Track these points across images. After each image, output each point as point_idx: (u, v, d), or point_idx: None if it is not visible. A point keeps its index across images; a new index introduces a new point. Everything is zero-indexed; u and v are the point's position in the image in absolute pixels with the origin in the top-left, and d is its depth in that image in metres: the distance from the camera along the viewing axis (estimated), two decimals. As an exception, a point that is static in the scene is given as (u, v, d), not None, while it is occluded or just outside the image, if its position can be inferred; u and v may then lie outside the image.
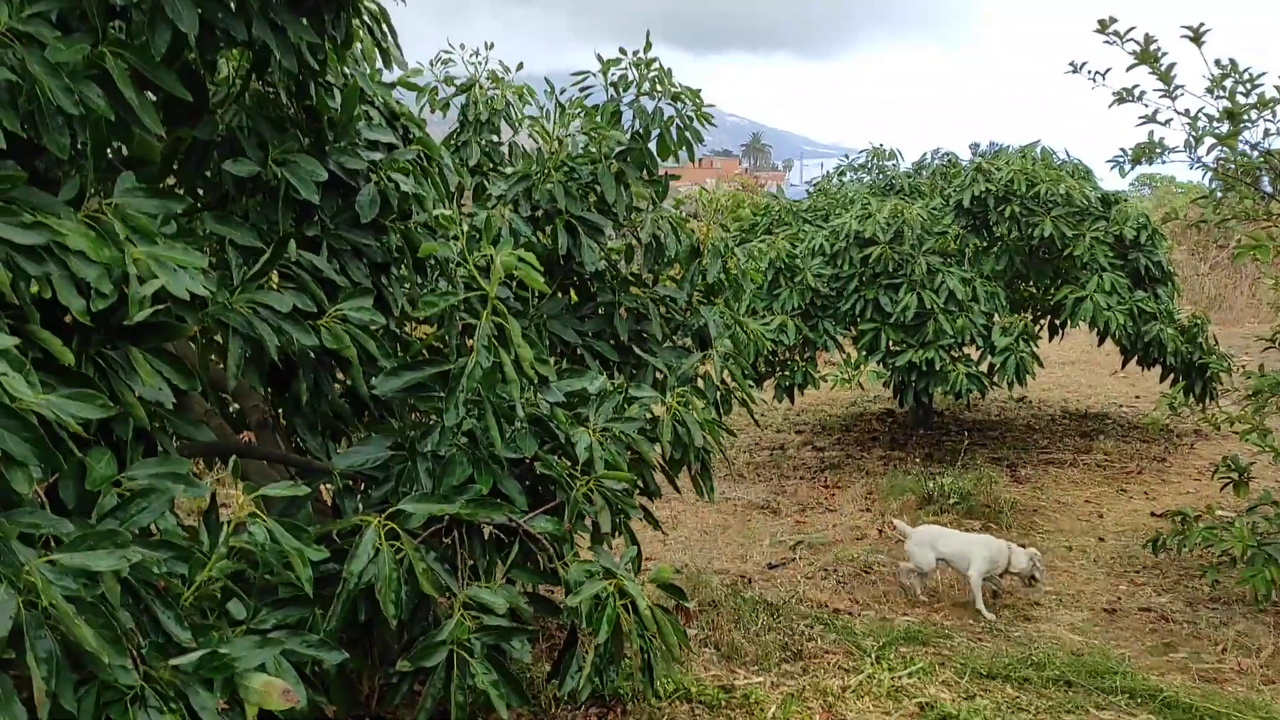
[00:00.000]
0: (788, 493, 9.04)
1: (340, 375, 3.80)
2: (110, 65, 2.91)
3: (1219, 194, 6.80)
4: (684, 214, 5.59)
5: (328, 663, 2.85)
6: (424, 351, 3.76)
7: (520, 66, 6.04)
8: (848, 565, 7.07)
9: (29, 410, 2.21)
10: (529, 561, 3.55)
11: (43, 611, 2.21)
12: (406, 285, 4.10)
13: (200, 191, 3.83)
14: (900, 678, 5.12)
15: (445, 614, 3.20)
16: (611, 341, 5.07)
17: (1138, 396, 12.39)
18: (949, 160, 11.31)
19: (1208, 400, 9.54)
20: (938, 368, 8.83)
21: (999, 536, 7.51)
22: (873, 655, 5.38)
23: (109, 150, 3.32)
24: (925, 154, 12.11)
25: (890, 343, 9.08)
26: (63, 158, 2.86)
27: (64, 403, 2.31)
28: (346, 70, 3.99)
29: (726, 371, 5.06)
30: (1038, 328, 10.12)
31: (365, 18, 3.64)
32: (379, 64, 4.45)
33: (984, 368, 9.20)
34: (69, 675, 2.26)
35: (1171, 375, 9.65)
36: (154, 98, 3.28)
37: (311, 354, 3.45)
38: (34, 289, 2.58)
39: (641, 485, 4.07)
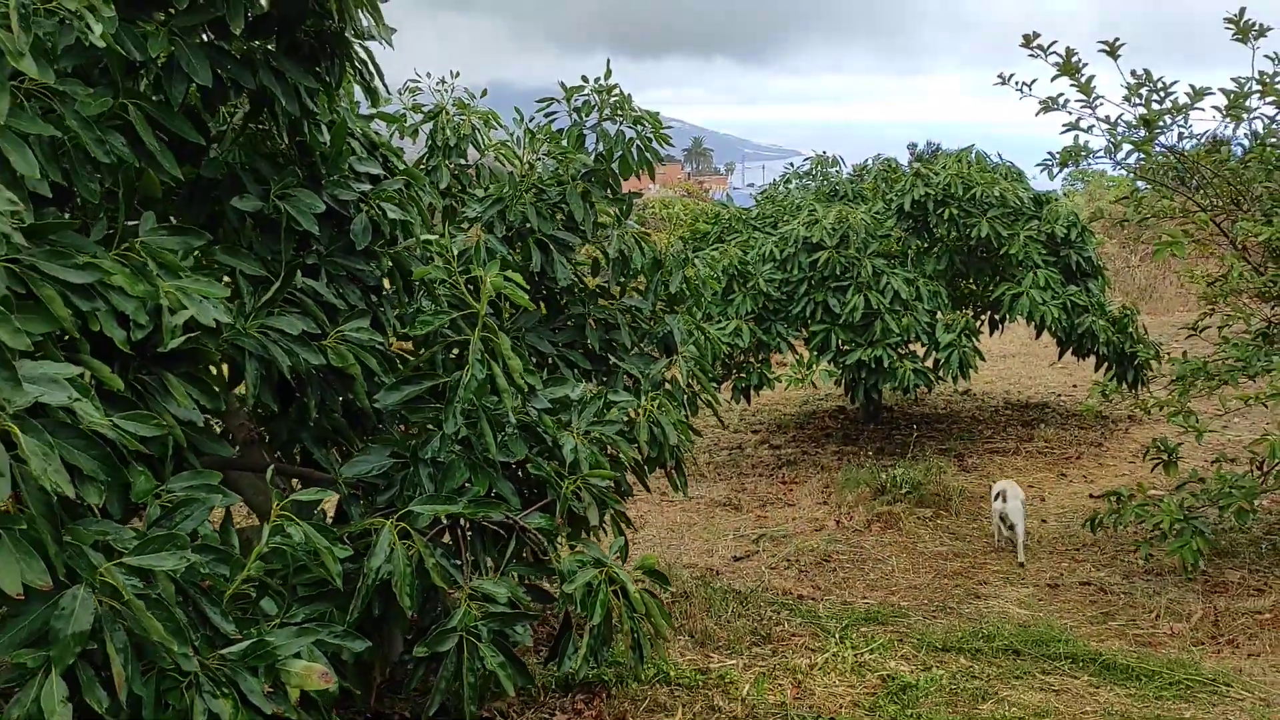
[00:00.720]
0: (748, 490, 9.42)
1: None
2: (132, 116, 3.21)
3: (1141, 192, 7.30)
4: (645, 226, 5.93)
5: (351, 651, 3.14)
6: (418, 367, 4.05)
7: (485, 93, 6.36)
8: (808, 555, 7.46)
9: (93, 431, 2.50)
10: (522, 555, 3.87)
11: (111, 609, 2.49)
12: (396, 307, 4.41)
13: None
14: (863, 654, 5.50)
15: (453, 605, 3.51)
16: (582, 350, 5.40)
17: (1075, 386, 12.94)
18: (889, 165, 11.78)
19: (1139, 387, 10.09)
20: (886, 365, 9.27)
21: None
22: (836, 635, 5.76)
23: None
24: (866, 160, 12.60)
25: (840, 342, 9.50)
26: (94, 202, 3.15)
27: (124, 423, 2.60)
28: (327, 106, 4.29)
29: (692, 375, 5.41)
30: (979, 323, 10.61)
31: (355, 62, 3.93)
32: (357, 96, 4.77)
33: (929, 363, 9.65)
34: (137, 663, 2.54)
35: (1105, 364, 10.18)
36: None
37: (317, 372, 3.75)
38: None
39: (614, 484, 4.40)
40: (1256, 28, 6.76)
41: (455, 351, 4.13)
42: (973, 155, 10.74)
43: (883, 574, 7.05)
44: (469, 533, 3.78)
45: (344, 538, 3.57)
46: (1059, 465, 9.74)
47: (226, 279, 3.69)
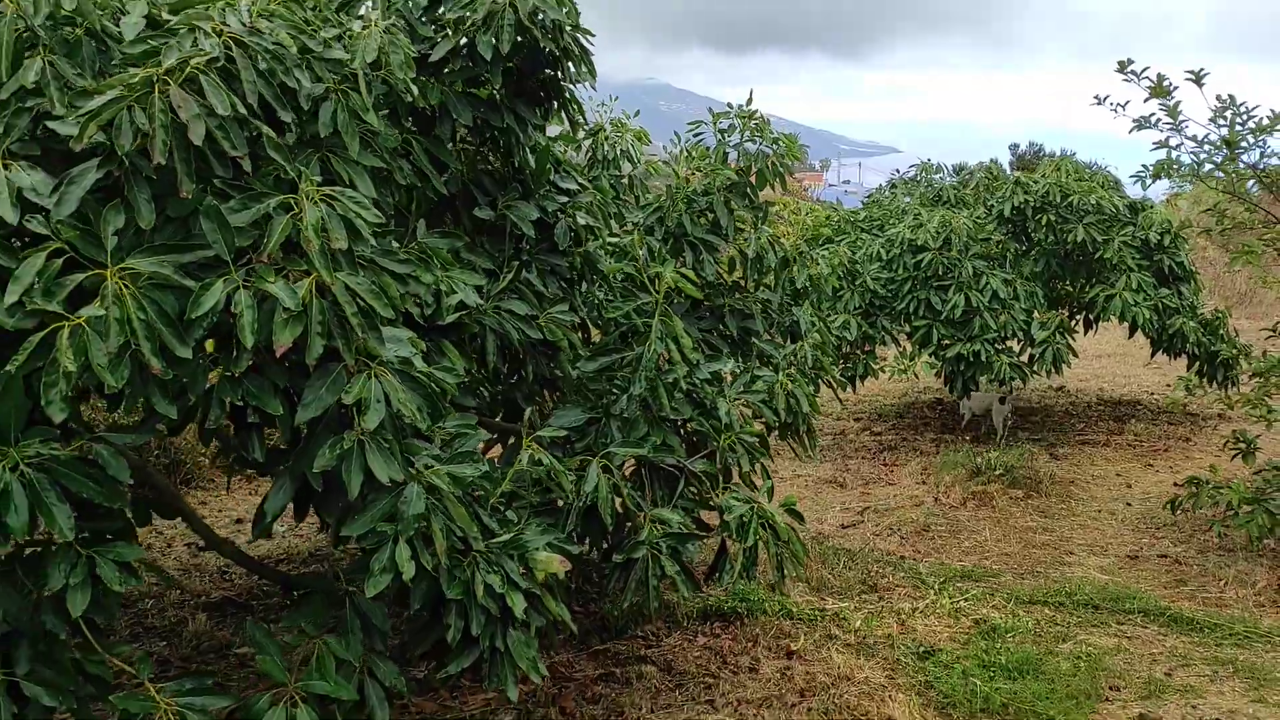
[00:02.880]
0: (851, 470, 10.29)
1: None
2: (416, 149, 4.29)
3: (1224, 205, 7.97)
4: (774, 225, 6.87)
5: (570, 552, 4.17)
6: (607, 344, 5.07)
7: (637, 113, 7.38)
8: (909, 525, 8.32)
9: (424, 376, 3.57)
10: (687, 493, 4.88)
11: (433, 501, 3.55)
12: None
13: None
14: (958, 603, 6.39)
15: (640, 526, 4.53)
16: (721, 335, 6.37)
17: (1168, 385, 13.46)
18: (991, 172, 12.48)
19: (1228, 385, 10.67)
20: (984, 359, 10.06)
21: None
22: (935, 588, 6.65)
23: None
24: (965, 162, 13.30)
25: (940, 337, 10.31)
26: (389, 213, 4.23)
27: (436, 373, 3.66)
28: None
29: (816, 359, 6.35)
30: (1073, 323, 11.29)
31: (564, 100, 4.95)
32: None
33: (1025, 358, 10.40)
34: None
35: (1196, 363, 10.79)
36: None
37: (533, 345, 4.80)
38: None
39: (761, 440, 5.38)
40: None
41: (632, 332, 5.16)
42: (1070, 165, 11.42)
43: (976, 543, 7.88)
44: (647, 473, 4.79)
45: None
46: (1146, 457, 10.39)
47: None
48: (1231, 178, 7.38)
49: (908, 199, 12.20)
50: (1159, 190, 23.75)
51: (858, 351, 10.73)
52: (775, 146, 6.40)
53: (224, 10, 3.50)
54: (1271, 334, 8.19)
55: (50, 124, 3.16)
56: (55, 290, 2.97)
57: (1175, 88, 7.74)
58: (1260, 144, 7.30)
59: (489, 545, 3.84)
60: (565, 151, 6.99)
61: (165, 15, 3.59)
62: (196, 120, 3.10)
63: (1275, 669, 5.48)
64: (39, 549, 3.35)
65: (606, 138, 7.24)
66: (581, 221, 5.25)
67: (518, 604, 3.76)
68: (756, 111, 6.41)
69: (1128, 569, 7.27)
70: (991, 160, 13.10)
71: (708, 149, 6.54)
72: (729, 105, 6.43)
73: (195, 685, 3.49)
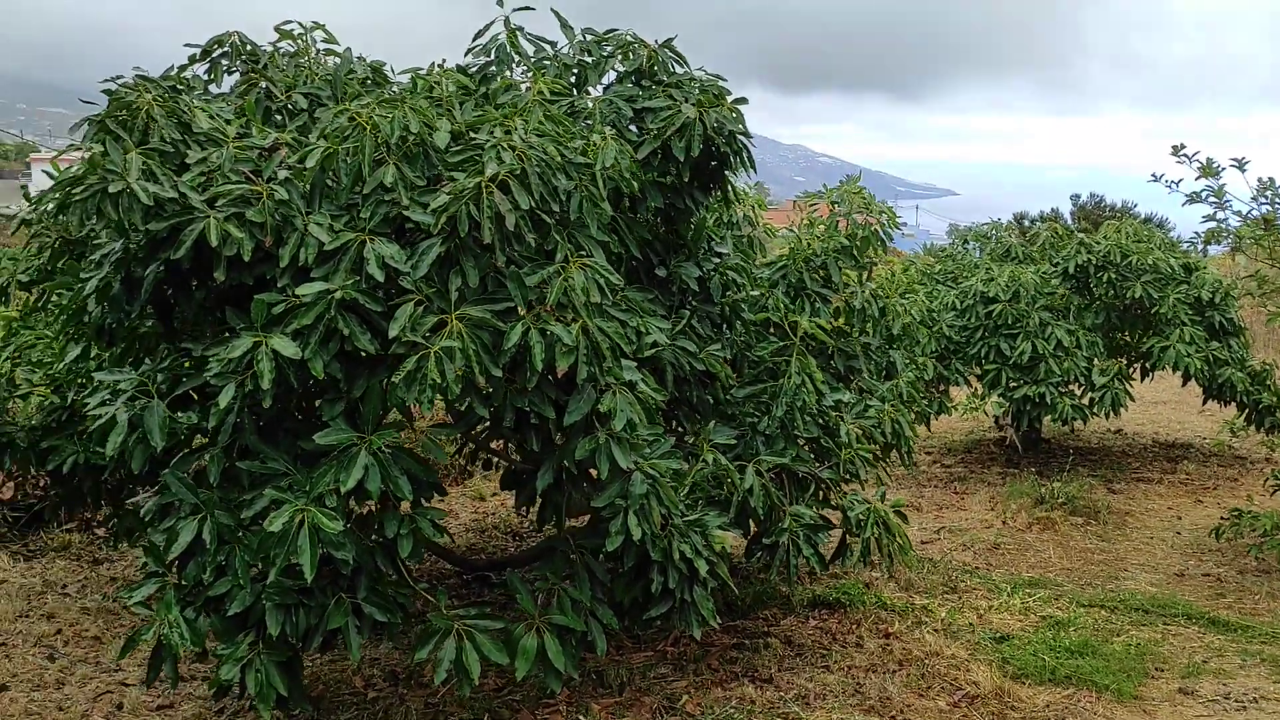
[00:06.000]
0: (925, 496, 11.46)
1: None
2: (621, 224, 5.66)
3: (1262, 273, 9.11)
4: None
5: (733, 533, 5.46)
6: (752, 376, 6.38)
7: (757, 184, 8.71)
8: (981, 543, 9.48)
9: (642, 394, 4.90)
10: (815, 495, 6.15)
11: (650, 485, 4.86)
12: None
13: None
14: (1027, 603, 7.56)
15: (781, 518, 5.80)
16: (830, 372, 7.65)
17: (1219, 431, 14.45)
18: (1057, 231, 13.64)
19: (1273, 431, 11.70)
20: (1048, 400, 11.21)
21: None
22: (1007, 591, 7.83)
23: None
24: (1026, 212, 14.46)
25: (1009, 380, 11.49)
26: (602, 272, 5.58)
27: (647, 390, 4.98)
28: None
29: (909, 394, 7.61)
30: (1131, 371, 12.38)
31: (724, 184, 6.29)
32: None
33: (1085, 401, 11.53)
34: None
35: (1244, 411, 11.84)
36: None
37: (698, 375, 6.12)
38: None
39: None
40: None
41: (767, 370, 6.47)
42: (1130, 227, 12.58)
43: (1041, 559, 9.03)
44: (785, 478, 6.08)
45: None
46: (1196, 493, 11.44)
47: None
48: (1270, 248, 8.53)
49: (979, 254, 13.41)
50: (1218, 247, 24.70)
51: (933, 391, 11.93)
52: (880, 217, 7.71)
53: (505, 130, 4.88)
54: (1306, 383, 9.27)
55: (406, 213, 4.57)
56: (418, 328, 4.36)
57: (1222, 169, 8.94)
58: (1296, 220, 8.45)
59: (683, 521, 5.15)
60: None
61: (463, 128, 5.00)
62: (510, 213, 4.49)
63: (1296, 661, 6.59)
64: (364, 512, 4.75)
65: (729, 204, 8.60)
66: (731, 277, 6.59)
67: (702, 566, 5.07)
68: (864, 189, 7.73)
69: (1174, 583, 8.38)
70: (1053, 210, 14.28)
71: (820, 219, 7.85)
72: (840, 182, 7.76)
73: (477, 612, 4.83)
